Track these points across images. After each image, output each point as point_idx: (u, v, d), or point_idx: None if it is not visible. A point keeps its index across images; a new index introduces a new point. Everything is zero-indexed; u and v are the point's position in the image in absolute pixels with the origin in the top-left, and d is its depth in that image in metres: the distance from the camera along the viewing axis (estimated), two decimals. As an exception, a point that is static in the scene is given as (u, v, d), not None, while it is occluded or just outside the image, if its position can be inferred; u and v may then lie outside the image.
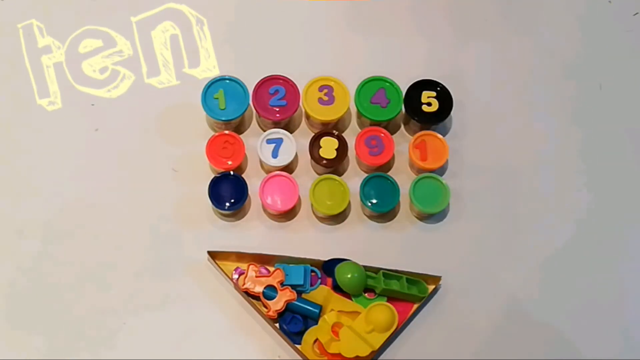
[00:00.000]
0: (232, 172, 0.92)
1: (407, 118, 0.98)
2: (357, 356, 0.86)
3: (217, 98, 0.93)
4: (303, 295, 0.89)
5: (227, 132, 0.93)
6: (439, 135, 0.95)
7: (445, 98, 0.96)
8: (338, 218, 0.94)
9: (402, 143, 0.97)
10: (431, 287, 0.91)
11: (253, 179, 0.94)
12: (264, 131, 0.94)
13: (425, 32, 1.04)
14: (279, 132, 0.94)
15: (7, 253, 0.91)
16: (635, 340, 0.93)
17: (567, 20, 1.06)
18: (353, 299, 0.89)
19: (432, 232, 0.95)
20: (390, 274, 0.90)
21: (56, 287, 0.90)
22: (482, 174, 0.98)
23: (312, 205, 0.92)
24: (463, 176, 0.97)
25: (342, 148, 0.94)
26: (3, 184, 0.93)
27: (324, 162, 0.93)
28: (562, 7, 1.07)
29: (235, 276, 0.89)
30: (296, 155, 0.94)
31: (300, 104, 0.94)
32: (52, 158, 0.95)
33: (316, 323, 0.88)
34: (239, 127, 0.97)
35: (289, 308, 0.88)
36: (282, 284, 0.88)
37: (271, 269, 0.89)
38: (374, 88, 0.96)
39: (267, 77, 0.94)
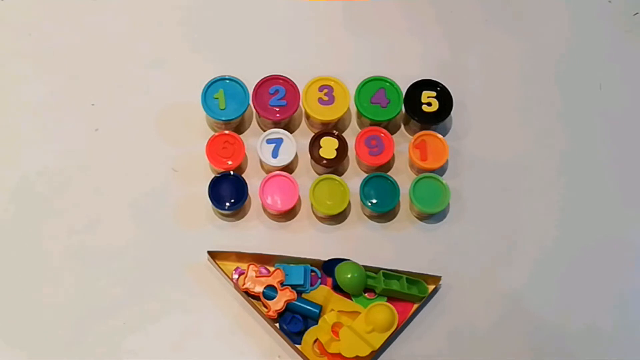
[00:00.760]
0: (232, 172, 0.92)
1: (407, 118, 0.98)
2: (357, 356, 0.86)
3: (217, 98, 0.93)
4: (303, 295, 0.89)
5: (227, 132, 0.93)
6: (439, 135, 0.95)
7: (445, 98, 0.96)
8: (338, 218, 0.94)
9: (402, 143, 0.97)
10: (431, 287, 0.91)
11: (253, 179, 0.94)
12: (264, 131, 0.94)
13: (425, 32, 1.04)
14: (279, 132, 0.94)
15: (7, 253, 0.91)
16: (636, 340, 0.92)
17: (567, 20, 1.06)
18: (353, 299, 0.89)
19: (432, 232, 0.95)
20: (390, 274, 0.90)
21: (56, 287, 0.89)
22: (482, 174, 0.98)
23: (312, 205, 0.92)
24: (463, 176, 0.97)
25: (342, 148, 0.94)
26: (3, 184, 0.93)
27: (324, 162, 0.93)
28: (562, 7, 1.07)
29: (235, 276, 0.89)
30: (296, 155, 0.94)
31: (300, 104, 0.94)
32: (52, 158, 0.94)
33: (316, 323, 0.88)
34: (239, 127, 0.97)
35: (289, 308, 0.88)
36: (282, 284, 0.88)
37: (271, 269, 0.89)
38: (374, 88, 0.96)
39: (267, 77, 0.94)
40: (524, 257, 0.95)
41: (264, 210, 0.94)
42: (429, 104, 0.96)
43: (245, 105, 0.93)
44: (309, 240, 0.93)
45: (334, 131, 0.95)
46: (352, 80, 0.95)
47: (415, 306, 0.90)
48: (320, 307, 0.88)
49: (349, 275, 0.88)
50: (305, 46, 1.02)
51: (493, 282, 0.93)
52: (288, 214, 0.94)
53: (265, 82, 0.94)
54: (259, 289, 0.88)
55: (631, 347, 0.92)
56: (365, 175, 0.94)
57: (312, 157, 0.93)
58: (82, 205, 0.93)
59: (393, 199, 0.93)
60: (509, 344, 0.91)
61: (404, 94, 0.96)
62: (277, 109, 0.94)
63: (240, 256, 0.90)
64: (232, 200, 0.91)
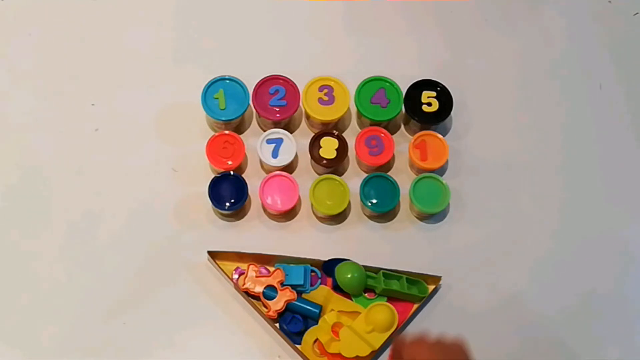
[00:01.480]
0: (232, 172, 0.92)
1: (407, 118, 0.98)
2: (357, 356, 0.86)
3: (217, 98, 0.93)
4: (303, 295, 0.89)
5: (227, 132, 0.93)
6: (439, 135, 0.95)
7: (445, 98, 0.96)
8: (338, 218, 0.94)
9: (402, 143, 0.97)
10: (431, 287, 0.91)
11: (253, 179, 0.94)
12: (264, 131, 0.94)
13: (425, 32, 1.04)
14: (279, 132, 0.94)
15: (7, 253, 0.91)
16: (636, 340, 0.93)
17: (567, 20, 1.06)
18: (353, 299, 0.89)
19: (432, 232, 0.95)
20: (390, 274, 0.90)
21: (56, 287, 0.89)
22: (482, 174, 0.98)
23: (312, 205, 0.92)
24: (463, 176, 0.97)
25: (342, 148, 0.94)
26: (3, 184, 0.93)
27: (324, 162, 0.93)
28: (562, 7, 1.07)
29: (235, 276, 0.89)
30: (296, 155, 0.94)
31: (300, 104, 0.94)
32: (52, 158, 0.95)
33: (316, 323, 0.88)
34: (239, 127, 0.97)
35: (289, 308, 0.88)
36: (282, 284, 0.88)
37: (271, 269, 0.89)
38: (374, 88, 0.96)
39: (267, 77, 0.94)
40: (524, 257, 0.95)
41: (264, 210, 0.94)
42: (429, 104, 0.96)
43: (245, 105, 0.93)
44: (309, 240, 0.93)
45: (334, 131, 0.95)
46: (352, 80, 0.96)
47: (415, 306, 0.90)
48: (320, 307, 0.88)
49: (349, 275, 0.88)
50: (305, 46, 1.02)
51: (492, 282, 0.93)
52: (288, 214, 0.94)
53: (265, 82, 0.94)
54: (259, 289, 0.88)
55: (631, 347, 0.92)
56: (365, 175, 0.94)
57: (312, 157, 0.93)
58: (82, 205, 0.93)
59: (393, 199, 0.93)
60: (509, 343, 0.91)
61: (404, 94, 0.96)
62: (277, 109, 0.94)
63: (240, 256, 0.90)
64: (232, 200, 0.91)
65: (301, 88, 0.94)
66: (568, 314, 0.93)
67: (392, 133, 0.97)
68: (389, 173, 0.95)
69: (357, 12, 1.05)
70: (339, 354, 0.86)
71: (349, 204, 0.94)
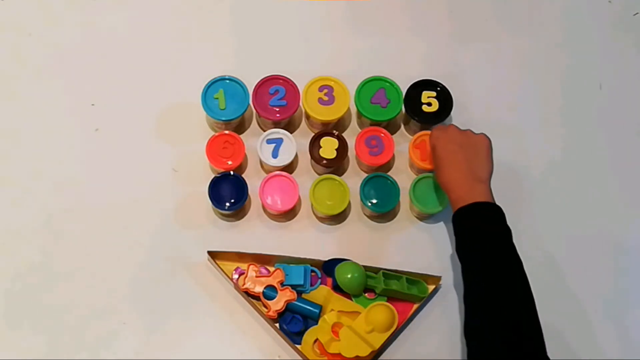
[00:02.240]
0: (232, 172, 0.92)
1: (407, 118, 0.98)
2: (357, 356, 0.86)
3: (217, 98, 0.93)
4: (303, 295, 0.89)
5: (227, 132, 0.93)
6: (439, 135, 0.95)
7: (445, 98, 0.96)
8: (338, 218, 0.94)
9: (402, 143, 0.97)
10: (431, 287, 0.91)
11: (253, 179, 0.94)
12: (264, 131, 0.94)
13: (425, 32, 1.04)
14: (279, 132, 0.94)
15: (7, 253, 0.91)
16: (635, 340, 0.92)
17: (567, 20, 1.07)
18: (353, 299, 0.89)
19: (432, 232, 0.95)
20: (390, 274, 0.90)
21: (56, 287, 0.89)
22: (482, 174, 0.98)
23: (312, 205, 0.92)
24: (463, 176, 0.97)
25: (342, 148, 0.94)
26: (3, 184, 0.93)
27: (324, 162, 0.93)
28: (562, 7, 1.07)
29: (235, 276, 0.89)
30: (296, 155, 0.94)
31: (300, 104, 0.94)
32: (52, 158, 0.95)
33: (316, 323, 0.88)
34: (239, 127, 0.97)
35: (289, 308, 0.88)
36: (282, 284, 0.88)
37: (271, 269, 0.89)
38: (374, 88, 0.96)
39: (267, 77, 0.94)
40: (523, 256, 0.94)
41: (264, 210, 0.94)
42: (429, 104, 0.96)
43: (245, 105, 0.93)
44: (309, 240, 0.93)
45: (334, 131, 0.94)
46: (352, 80, 0.95)
47: (415, 306, 0.90)
48: (320, 307, 0.88)
49: (349, 275, 0.88)
50: (305, 46, 1.02)
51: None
52: (288, 214, 0.94)
53: (265, 82, 0.94)
54: (259, 289, 0.88)
55: (631, 347, 0.92)
56: (365, 175, 0.94)
57: (312, 157, 0.93)
58: (82, 204, 0.93)
59: (393, 199, 0.93)
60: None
61: (404, 94, 0.96)
62: (277, 109, 0.94)
63: (240, 256, 0.90)
64: (232, 200, 0.91)
65: (301, 88, 0.94)
66: (568, 313, 0.92)
67: (392, 133, 0.97)
68: (389, 173, 0.95)
69: (357, 12, 1.05)
70: (339, 354, 0.86)
71: (349, 204, 0.94)
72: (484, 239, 0.81)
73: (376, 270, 0.90)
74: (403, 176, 0.96)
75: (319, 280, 0.90)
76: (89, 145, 0.95)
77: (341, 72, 0.96)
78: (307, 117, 0.97)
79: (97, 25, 1.01)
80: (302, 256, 0.90)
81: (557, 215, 0.97)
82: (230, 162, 0.92)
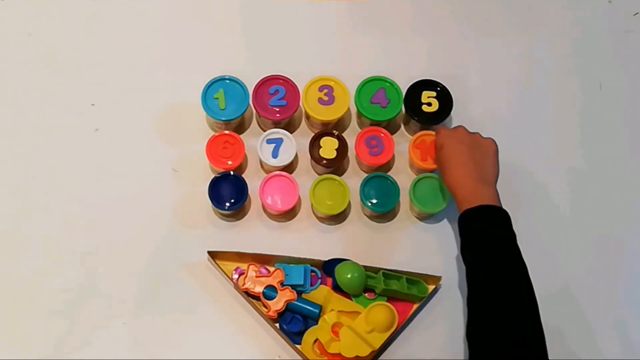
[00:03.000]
0: (232, 172, 0.92)
1: (407, 118, 0.98)
2: (357, 356, 0.86)
3: (217, 98, 0.93)
4: (303, 295, 0.89)
5: (227, 132, 0.93)
6: (439, 135, 0.95)
7: (445, 98, 0.96)
8: (338, 218, 0.94)
9: (402, 143, 0.97)
10: (431, 287, 0.91)
11: (253, 179, 0.94)
12: (264, 131, 0.94)
13: (425, 32, 1.04)
14: (279, 132, 0.94)
15: (7, 253, 0.91)
16: (635, 340, 0.92)
17: (567, 20, 1.07)
18: (353, 299, 0.89)
19: (432, 232, 0.95)
20: (390, 274, 0.90)
21: (56, 287, 0.89)
22: (482, 174, 0.98)
23: (312, 205, 0.92)
24: (463, 176, 0.97)
25: (342, 148, 0.94)
26: (3, 185, 0.93)
27: (324, 162, 0.93)
28: (562, 7, 1.07)
29: (235, 276, 0.89)
30: (296, 155, 0.94)
31: (300, 104, 0.94)
32: (52, 158, 0.95)
33: (316, 323, 0.87)
34: (239, 127, 0.97)
35: (289, 308, 0.88)
36: (282, 284, 0.88)
37: (271, 269, 0.89)
38: (374, 88, 0.96)
39: (267, 77, 0.94)
40: (523, 256, 0.94)
41: (264, 210, 0.94)
42: (429, 104, 0.96)
43: (245, 105, 0.93)
44: (309, 240, 0.93)
45: (334, 131, 0.94)
46: (352, 80, 0.95)
47: (415, 306, 0.90)
48: (320, 307, 0.88)
49: (349, 275, 0.88)
50: (305, 46, 1.02)
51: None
52: (288, 214, 0.94)
53: (265, 82, 0.94)
54: (259, 289, 0.88)
55: (632, 348, 0.92)
56: (365, 175, 0.94)
57: (312, 157, 0.93)
58: (82, 205, 0.93)
59: (393, 199, 0.93)
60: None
61: (404, 94, 0.96)
62: (277, 109, 0.94)
63: (240, 256, 0.90)
64: (232, 200, 0.91)
65: (301, 88, 0.94)
66: (568, 313, 0.93)
67: (392, 133, 0.97)
68: (389, 173, 0.95)
69: (357, 12, 1.05)
70: (339, 354, 0.86)
71: (349, 204, 0.94)
72: (490, 243, 0.81)
73: (376, 270, 0.90)
74: (403, 176, 0.96)
75: (319, 280, 0.90)
76: (89, 145, 0.95)
77: (341, 72, 0.96)
78: (307, 117, 0.97)
79: (97, 25, 1.01)
80: (302, 256, 0.89)
81: (557, 215, 0.97)
82: (230, 162, 0.92)
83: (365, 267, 0.89)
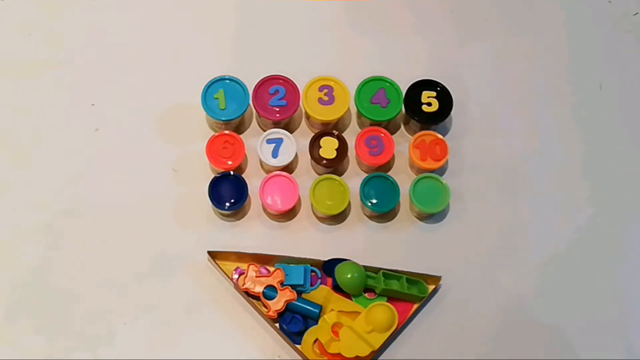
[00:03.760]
0: (232, 172, 0.92)
1: (407, 118, 0.98)
2: (357, 356, 0.86)
3: (217, 98, 0.93)
4: (303, 295, 0.89)
5: (227, 132, 0.93)
6: (439, 135, 0.95)
7: (445, 98, 0.96)
8: (338, 218, 0.94)
9: (402, 143, 0.97)
10: (431, 287, 0.91)
11: (253, 179, 0.94)
12: (264, 131, 0.94)
13: (425, 32, 1.04)
14: (279, 132, 0.94)
15: (7, 253, 0.91)
16: (635, 340, 0.92)
17: (567, 20, 1.06)
18: (353, 299, 0.89)
19: (432, 232, 0.95)
20: (390, 274, 0.90)
21: (56, 287, 0.90)
22: (482, 174, 0.98)
23: (312, 205, 0.92)
24: (463, 176, 0.97)
25: (342, 148, 0.94)
26: (3, 185, 0.93)
27: (324, 162, 0.93)
28: (562, 7, 1.07)
29: (235, 276, 0.89)
30: (296, 155, 0.94)
31: (300, 104, 0.94)
32: (52, 158, 0.95)
33: (316, 323, 0.88)
34: (239, 127, 0.97)
35: (289, 308, 0.88)
36: (282, 284, 0.88)
37: (271, 269, 0.89)
38: (374, 88, 0.96)
39: (267, 77, 0.94)
40: (524, 256, 0.95)
41: (264, 210, 0.94)
42: (429, 104, 0.96)
43: (245, 105, 0.93)
44: (309, 240, 0.93)
45: (334, 131, 0.94)
46: (352, 80, 0.95)
47: (415, 306, 0.90)
48: (320, 307, 0.88)
49: (349, 275, 0.88)
50: (305, 46, 1.02)
51: (493, 282, 0.93)
52: (288, 214, 0.94)
53: (265, 82, 0.94)
54: (259, 289, 0.88)
55: (632, 347, 0.92)
56: (365, 175, 0.94)
57: (312, 157, 0.93)
58: (81, 205, 0.93)
59: (393, 199, 0.93)
60: (509, 344, 0.91)
61: (404, 94, 0.96)
62: (277, 109, 0.94)
63: (240, 256, 0.90)
64: (232, 200, 0.91)
65: (301, 88, 0.94)
66: (568, 313, 0.93)
67: (392, 133, 0.97)
68: (389, 173, 0.95)
69: (358, 12, 1.04)
70: (339, 354, 0.86)
71: (349, 204, 0.94)
72: None
73: (376, 270, 0.90)
74: (403, 176, 0.96)
75: (319, 280, 0.90)
76: (89, 145, 0.95)
77: (341, 72, 0.96)
78: (307, 117, 0.97)
79: (97, 25, 1.01)
80: (302, 256, 0.90)
81: (557, 215, 0.97)
82: (230, 162, 0.92)
83: (365, 267, 0.89)
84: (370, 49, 1.02)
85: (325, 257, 0.90)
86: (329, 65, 1.00)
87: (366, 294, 0.90)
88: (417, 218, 0.96)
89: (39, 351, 0.87)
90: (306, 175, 0.95)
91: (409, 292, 0.89)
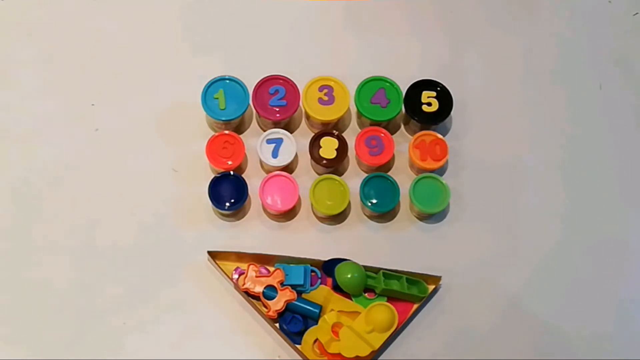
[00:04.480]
0: (232, 172, 0.92)
1: (407, 118, 0.98)
2: (357, 356, 0.86)
3: (217, 98, 0.93)
4: (303, 295, 0.89)
5: (227, 132, 0.93)
6: (439, 135, 0.95)
7: (445, 98, 0.96)
8: (338, 218, 0.94)
9: (402, 143, 0.97)
10: (431, 287, 0.91)
11: (253, 179, 0.94)
12: (264, 131, 0.94)
13: (425, 32, 1.04)
14: (279, 132, 0.94)
15: (9, 253, 0.91)
16: (635, 340, 0.92)
17: (566, 20, 1.07)
18: (353, 299, 0.89)
19: (432, 232, 0.95)
20: (390, 274, 0.90)
21: (56, 287, 0.90)
22: (482, 174, 0.98)
23: (312, 205, 0.92)
24: (463, 176, 0.97)
25: (342, 148, 0.94)
26: (2, 184, 0.93)
27: (324, 162, 0.93)
28: (562, 6, 1.07)
29: (235, 276, 0.89)
30: (296, 155, 0.94)
31: (300, 104, 0.94)
32: (51, 158, 0.94)
33: (316, 323, 0.88)
34: (239, 127, 0.97)
35: (289, 308, 0.88)
36: (282, 284, 0.88)
37: (271, 269, 0.89)
38: (374, 88, 0.96)
39: (267, 77, 0.94)
40: (524, 257, 0.95)
41: (264, 210, 0.94)
42: (429, 104, 0.96)
43: (245, 105, 0.93)
44: (309, 240, 0.93)
45: (334, 131, 0.95)
46: (352, 80, 0.95)
47: (415, 306, 0.90)
48: (320, 307, 0.88)
49: (349, 275, 0.88)
50: (305, 46, 1.02)
51: (493, 282, 0.93)
52: (288, 214, 0.94)
53: (265, 82, 0.94)
54: (259, 289, 0.88)
55: (631, 348, 0.92)
56: (365, 175, 0.94)
57: (312, 157, 0.93)
58: (82, 205, 0.93)
59: (393, 199, 0.93)
60: (509, 344, 0.91)
61: (404, 94, 0.96)
62: (277, 109, 0.94)
63: (240, 256, 0.90)
64: (232, 200, 0.91)
65: (301, 88, 0.94)
66: (568, 313, 0.93)
67: (392, 133, 0.97)
68: (389, 173, 0.95)
69: (357, 12, 1.05)
70: (339, 354, 0.86)
71: (349, 204, 0.94)
72: None
73: (376, 270, 0.90)
74: (403, 176, 0.96)
75: (319, 280, 0.90)
76: (89, 145, 0.95)
77: (341, 72, 0.96)
78: (307, 117, 0.97)
79: (97, 25, 1.01)
80: (302, 256, 0.90)
81: (558, 215, 0.97)
82: (230, 162, 0.92)
83: (365, 267, 0.89)
84: (371, 49, 1.02)
85: (325, 257, 0.90)
86: (329, 65, 1.00)
87: (366, 294, 0.90)
88: (417, 218, 0.96)
89: (39, 351, 0.87)
90: (306, 175, 0.95)
91: (409, 292, 0.89)
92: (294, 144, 0.93)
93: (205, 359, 0.88)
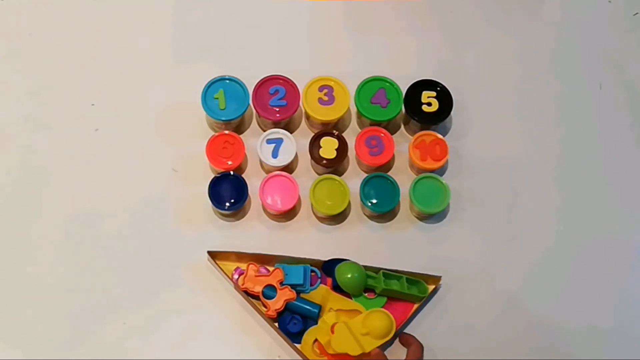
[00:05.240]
0: (232, 172, 0.92)
1: (407, 118, 0.98)
2: (347, 354, 0.85)
3: (217, 98, 0.93)
4: (302, 295, 0.89)
5: (227, 132, 0.93)
6: (439, 135, 0.95)
7: (445, 98, 0.97)
8: (338, 218, 0.94)
9: (402, 143, 0.97)
10: (431, 287, 0.91)
11: (253, 179, 0.94)
12: (264, 131, 0.94)
13: (425, 32, 1.04)
14: (279, 132, 0.94)
15: (7, 252, 0.91)
16: (635, 340, 0.93)
17: (566, 20, 1.07)
18: (353, 299, 0.89)
19: (432, 232, 0.95)
20: (390, 274, 0.90)
21: (56, 287, 0.90)
22: (482, 174, 0.98)
23: (312, 205, 0.92)
24: (463, 176, 0.97)
25: (342, 148, 0.94)
26: (2, 185, 0.93)
27: (324, 162, 0.93)
28: (562, 7, 1.07)
29: (235, 276, 0.89)
30: (296, 155, 0.94)
31: (300, 104, 0.94)
32: (51, 158, 0.94)
33: (316, 323, 0.88)
34: (239, 127, 0.97)
35: (288, 308, 0.88)
36: (281, 284, 0.88)
37: (271, 268, 0.89)
38: (374, 88, 0.96)
39: (267, 77, 0.94)
40: (524, 257, 0.95)
41: (264, 210, 0.94)
42: (429, 104, 0.96)
43: (245, 105, 0.93)
44: (309, 240, 0.93)
45: (334, 131, 0.94)
46: (352, 80, 0.95)
47: (415, 306, 0.90)
48: (320, 307, 0.88)
49: (349, 275, 0.88)
50: (305, 46, 1.02)
51: (492, 282, 0.93)
52: (288, 214, 0.94)
53: (265, 82, 0.94)
54: (258, 288, 0.88)
55: (631, 347, 0.92)
56: (365, 175, 0.94)
57: (312, 157, 0.93)
58: (81, 205, 0.93)
59: (393, 199, 0.93)
60: (508, 343, 0.91)
61: (404, 94, 0.96)
62: (277, 109, 0.94)
63: (240, 256, 0.90)
64: (232, 200, 0.91)
65: (301, 88, 0.94)
66: (567, 313, 0.93)
67: (392, 133, 0.97)
68: (389, 173, 0.95)
69: (357, 12, 1.05)
70: (339, 354, 0.86)
71: (349, 204, 0.94)
72: None
73: (376, 270, 0.90)
74: (403, 176, 0.96)
75: (319, 280, 0.90)
76: (89, 145, 0.95)
77: (341, 72, 0.96)
78: (307, 117, 0.97)
79: (97, 25, 1.01)
80: (302, 256, 0.89)
81: (557, 215, 0.97)
82: (230, 162, 0.92)
83: (365, 267, 0.89)
84: (371, 49, 1.03)
85: (325, 257, 0.90)
86: (329, 65, 1.00)
87: (366, 294, 0.89)
88: (417, 218, 0.96)
89: (39, 351, 0.87)
90: (306, 175, 0.95)
91: (409, 292, 0.89)
92: (294, 144, 0.93)
93: (205, 358, 0.88)
